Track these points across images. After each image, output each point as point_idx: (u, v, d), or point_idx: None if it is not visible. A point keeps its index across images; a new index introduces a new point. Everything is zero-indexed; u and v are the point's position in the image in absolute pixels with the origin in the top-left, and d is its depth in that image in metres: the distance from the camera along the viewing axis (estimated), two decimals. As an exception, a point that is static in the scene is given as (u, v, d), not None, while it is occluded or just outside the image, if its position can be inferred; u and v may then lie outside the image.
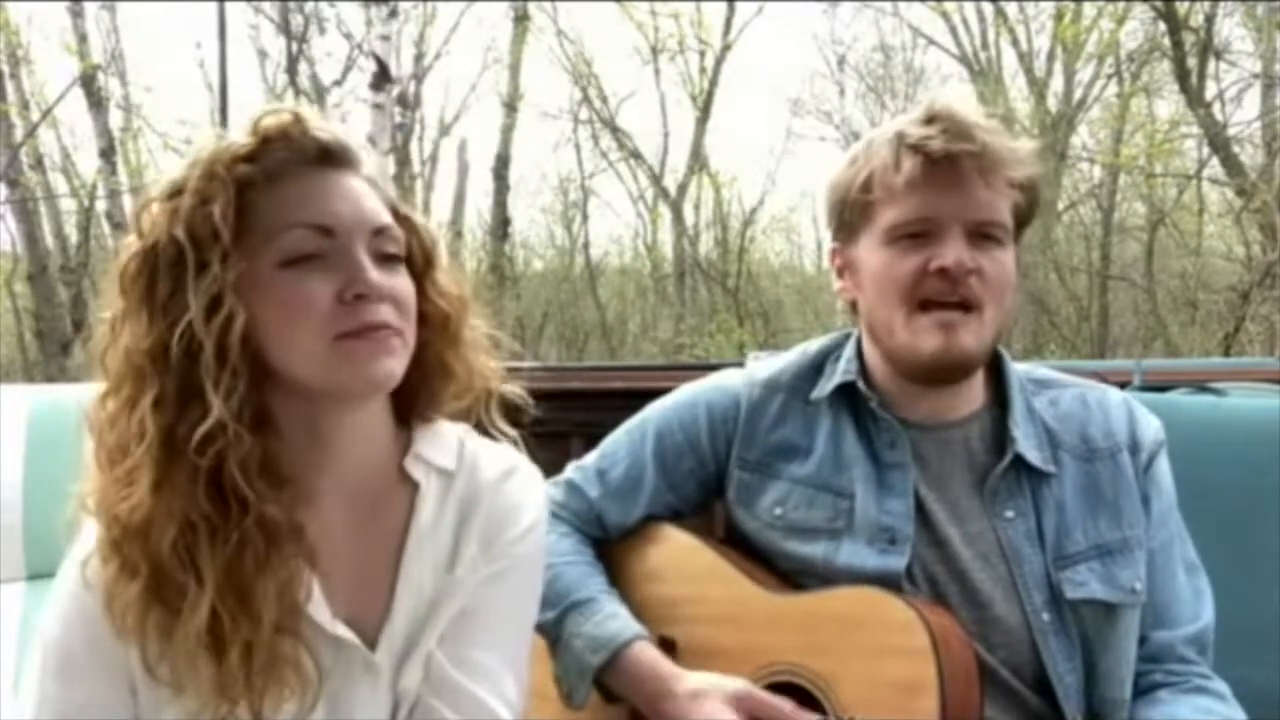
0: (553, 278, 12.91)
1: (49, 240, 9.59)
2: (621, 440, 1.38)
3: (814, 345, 1.38)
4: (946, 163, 1.18)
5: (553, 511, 1.30)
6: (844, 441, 1.28)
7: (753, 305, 11.46)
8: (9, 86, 9.03)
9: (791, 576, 1.26)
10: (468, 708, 0.95)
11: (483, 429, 1.06)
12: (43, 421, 1.55)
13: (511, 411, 1.07)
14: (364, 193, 0.96)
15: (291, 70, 10.23)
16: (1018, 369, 1.31)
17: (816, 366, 1.34)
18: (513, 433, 1.07)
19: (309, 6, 9.85)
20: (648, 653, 1.22)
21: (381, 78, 6.11)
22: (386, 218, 0.96)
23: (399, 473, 1.01)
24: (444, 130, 12.14)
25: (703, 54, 11.74)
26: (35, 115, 9.45)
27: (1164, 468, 1.29)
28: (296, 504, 0.93)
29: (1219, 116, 8.46)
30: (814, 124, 13.72)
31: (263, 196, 0.92)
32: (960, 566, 1.21)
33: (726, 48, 11.64)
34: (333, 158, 0.96)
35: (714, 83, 11.72)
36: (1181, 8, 7.99)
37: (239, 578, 0.88)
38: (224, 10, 6.27)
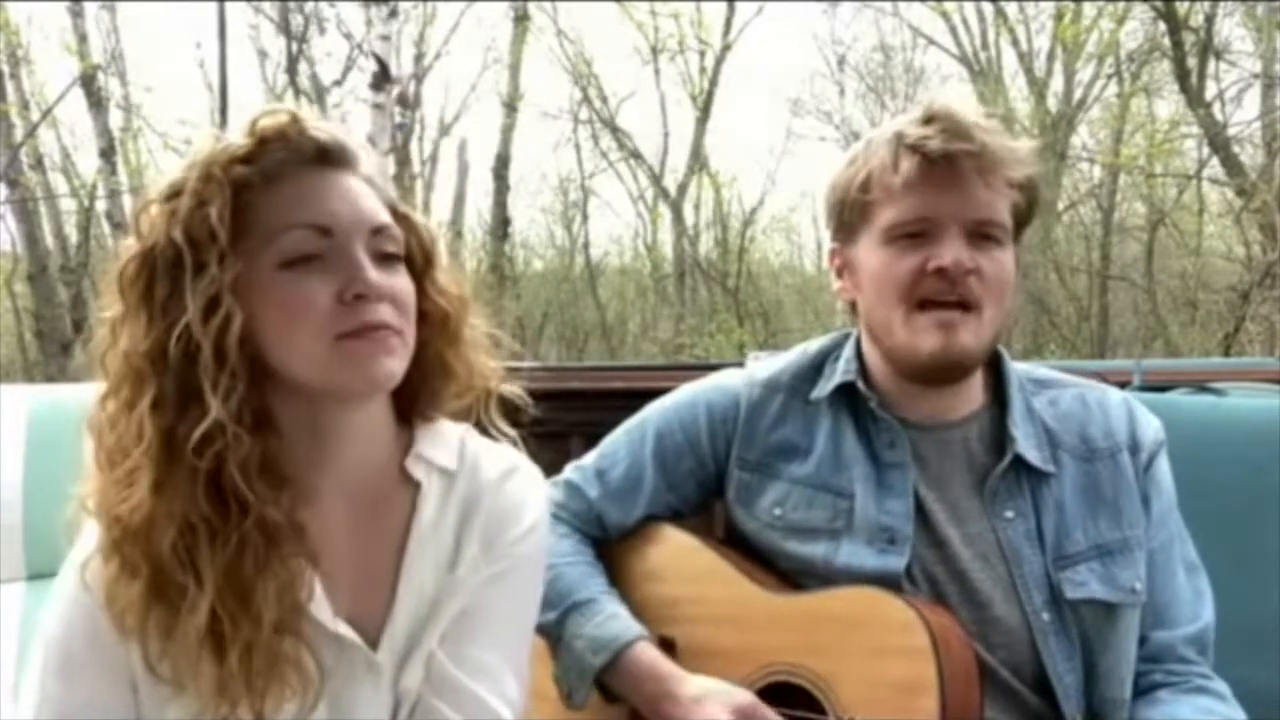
0: (553, 278, 12.90)
1: (49, 240, 9.58)
2: (621, 440, 1.38)
3: (814, 345, 1.38)
4: (945, 163, 1.18)
5: (552, 512, 1.29)
6: (844, 441, 1.28)
7: (753, 305, 11.46)
8: (9, 86, 9.03)
9: (791, 576, 1.26)
10: (469, 707, 0.95)
11: (483, 429, 1.07)
12: (43, 421, 1.55)
13: (511, 411, 1.07)
14: (362, 192, 0.96)
15: (291, 70, 10.23)
16: (1017, 369, 1.31)
17: (816, 366, 1.34)
18: (512, 432, 1.07)
19: (309, 6, 9.85)
20: (649, 654, 1.22)
21: (382, 78, 6.11)
22: (385, 217, 0.96)
23: (400, 472, 1.01)
24: (444, 130, 12.16)
25: (703, 54, 11.75)
26: (35, 115, 9.44)
27: (1164, 468, 1.29)
28: (298, 504, 0.93)
29: (1219, 116, 8.46)
30: (814, 124, 13.73)
31: (261, 197, 0.92)
32: (960, 567, 1.21)
33: (726, 48, 11.64)
34: (330, 157, 0.96)
35: (714, 83, 11.73)
36: (1181, 8, 7.99)
37: (239, 579, 0.88)
38: (224, 10, 6.28)
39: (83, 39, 9.10)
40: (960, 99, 1.30)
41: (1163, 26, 8.16)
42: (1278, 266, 7.10)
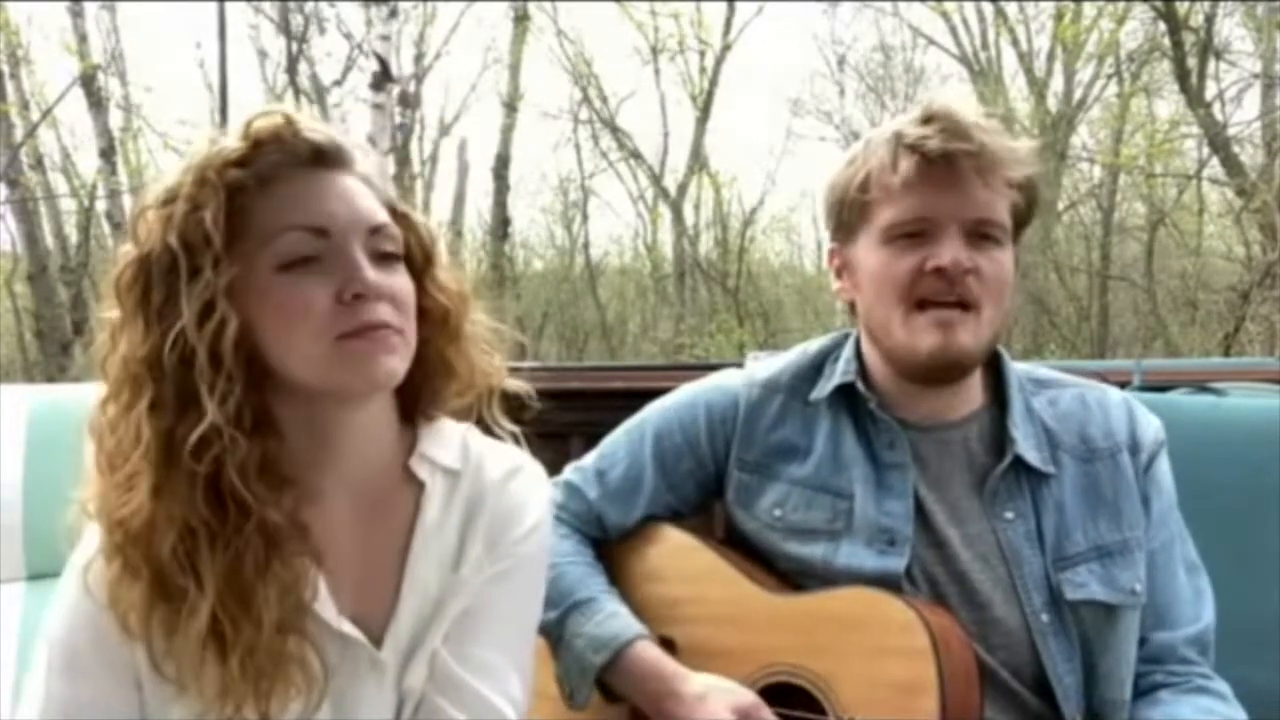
0: (553, 278, 12.90)
1: (49, 240, 9.58)
2: (620, 441, 1.38)
3: (813, 345, 1.38)
4: (944, 162, 1.18)
5: (552, 513, 1.30)
6: (843, 442, 1.28)
7: (753, 305, 11.46)
8: (9, 86, 9.03)
9: (791, 577, 1.26)
10: (472, 705, 0.95)
11: (485, 426, 1.07)
12: (43, 421, 1.55)
13: (515, 407, 1.07)
14: (359, 192, 0.96)
15: (291, 70, 10.23)
16: (1017, 369, 1.31)
17: (816, 367, 1.34)
18: (514, 428, 1.07)
19: (309, 6, 9.85)
20: (650, 652, 1.22)
21: (382, 78, 6.11)
22: (382, 216, 0.96)
23: (404, 472, 1.01)
24: (444, 130, 12.16)
25: (703, 54, 11.75)
26: (35, 115, 9.44)
27: (1164, 468, 1.29)
28: (301, 504, 0.93)
29: (1219, 116, 8.47)
30: (814, 124, 13.73)
31: (256, 200, 0.92)
32: (960, 567, 1.21)
33: (726, 48, 11.64)
34: (326, 158, 0.96)
35: (714, 83, 11.73)
36: (1181, 8, 7.99)
37: (239, 582, 0.88)
38: (224, 10, 6.28)
39: (83, 39, 9.10)
40: (960, 99, 1.30)
41: (1163, 26, 8.16)
42: (1278, 266, 7.10)
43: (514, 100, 11.25)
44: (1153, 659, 1.23)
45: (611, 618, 1.24)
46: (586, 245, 12.79)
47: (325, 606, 0.94)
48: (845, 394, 1.30)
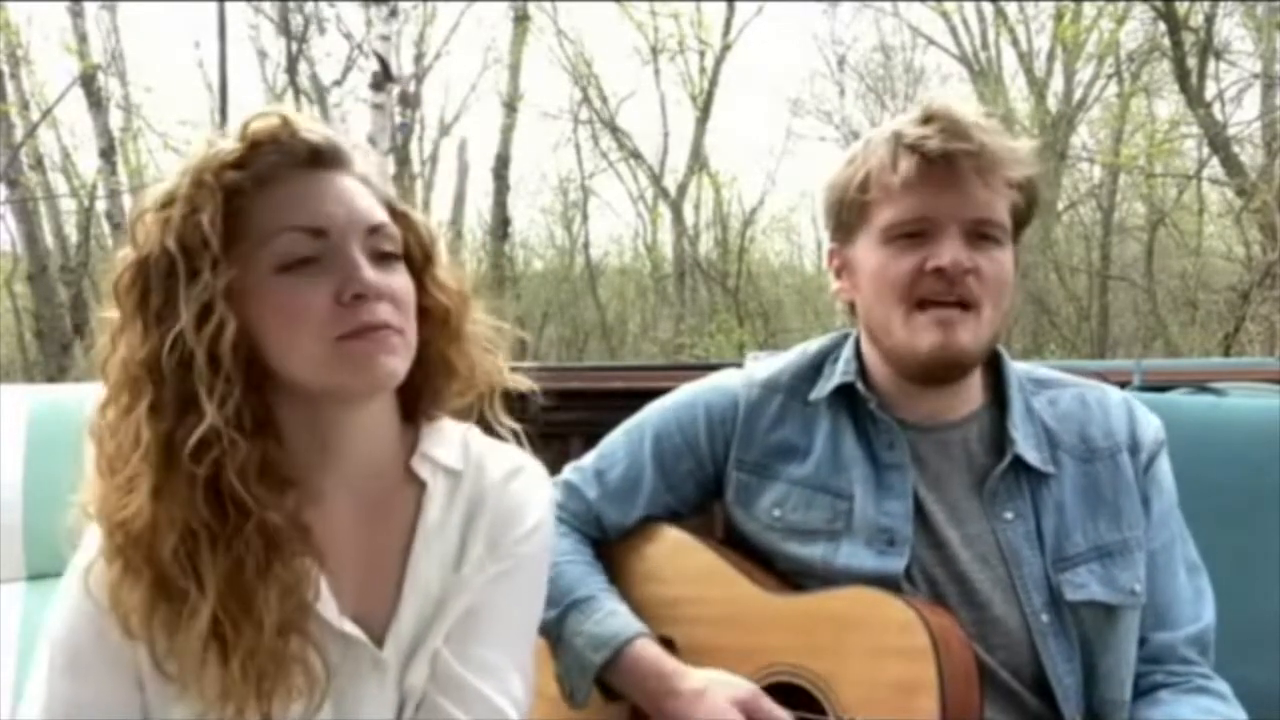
0: (553, 278, 12.89)
1: (49, 240, 9.58)
2: (620, 441, 1.38)
3: (813, 346, 1.38)
4: (943, 162, 1.18)
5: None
6: (843, 442, 1.28)
7: (753, 305, 11.46)
8: (9, 86, 9.02)
9: (791, 577, 1.26)
10: (474, 705, 0.95)
11: (486, 424, 1.07)
12: (43, 421, 1.55)
13: (518, 404, 1.07)
14: (357, 192, 0.96)
15: (291, 70, 10.22)
16: (1017, 369, 1.31)
17: (815, 367, 1.34)
18: (516, 427, 1.07)
19: (309, 6, 9.83)
20: (650, 650, 1.22)
21: (382, 78, 6.11)
22: (381, 216, 0.96)
23: (406, 472, 1.01)
24: (444, 130, 12.15)
25: (703, 54, 11.73)
26: (35, 115, 9.44)
27: (1164, 468, 1.29)
28: (303, 504, 0.93)
29: (1219, 116, 8.46)
30: (814, 124, 13.72)
31: (254, 202, 0.92)
32: (959, 568, 1.21)
33: (726, 48, 11.63)
34: (323, 158, 0.95)
35: (714, 83, 11.71)
36: (1181, 8, 7.99)
37: (240, 584, 0.88)
38: (224, 10, 6.29)
39: (83, 39, 9.10)
40: (960, 99, 1.30)
41: (1163, 26, 8.16)
42: (1278, 266, 7.09)
43: (514, 100, 11.25)
44: (1153, 659, 1.23)
45: (611, 616, 1.24)
46: (586, 245, 12.80)
47: (327, 606, 0.94)
48: (845, 394, 1.30)
